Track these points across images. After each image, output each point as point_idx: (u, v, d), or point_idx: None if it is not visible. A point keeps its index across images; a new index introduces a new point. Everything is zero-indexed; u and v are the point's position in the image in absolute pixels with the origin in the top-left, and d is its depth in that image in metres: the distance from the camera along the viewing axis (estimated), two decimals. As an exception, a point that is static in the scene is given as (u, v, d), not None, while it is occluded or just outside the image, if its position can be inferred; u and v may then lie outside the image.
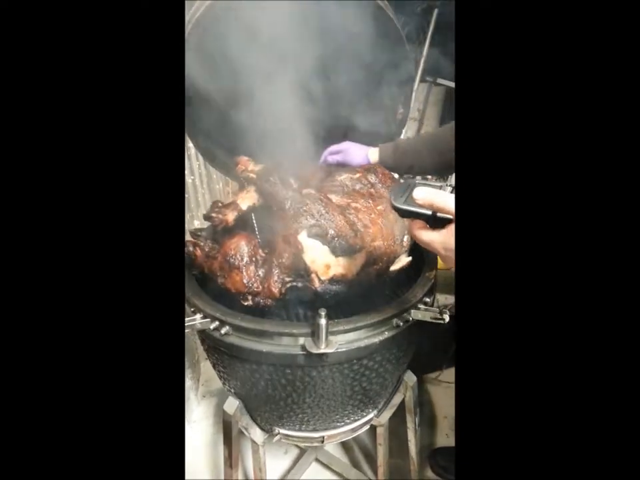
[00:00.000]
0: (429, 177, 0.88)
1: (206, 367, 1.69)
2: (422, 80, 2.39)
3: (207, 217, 0.77)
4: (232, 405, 0.90)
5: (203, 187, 1.83)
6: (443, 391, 1.63)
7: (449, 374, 1.68)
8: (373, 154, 0.98)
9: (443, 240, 0.49)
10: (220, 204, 0.77)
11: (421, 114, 2.52)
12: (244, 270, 0.75)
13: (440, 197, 0.48)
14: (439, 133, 0.94)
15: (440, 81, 2.49)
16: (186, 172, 1.56)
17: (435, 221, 0.50)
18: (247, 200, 0.77)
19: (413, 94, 1.06)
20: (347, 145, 0.99)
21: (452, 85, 2.41)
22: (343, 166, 0.98)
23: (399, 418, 1.05)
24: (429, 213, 0.49)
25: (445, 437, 1.47)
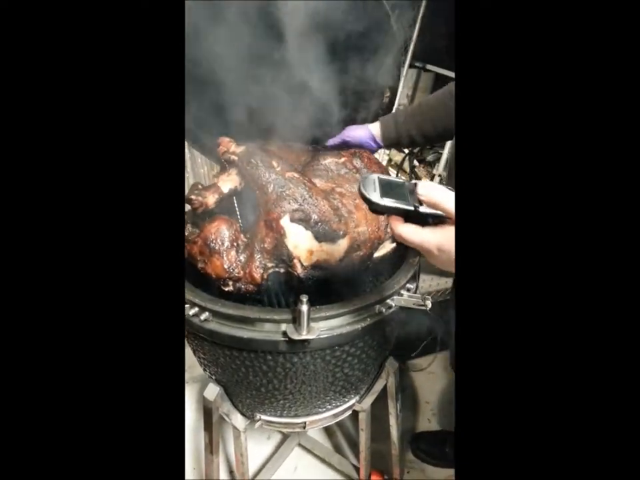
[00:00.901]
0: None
1: (189, 352, 1.67)
2: (411, 65, 2.36)
3: (186, 199, 0.75)
4: (213, 391, 0.89)
5: (187, 170, 1.79)
6: (425, 376, 1.65)
7: (430, 360, 1.70)
8: (374, 127, 0.95)
9: (438, 240, 0.46)
10: (200, 186, 0.75)
11: (410, 100, 2.51)
12: (225, 255, 0.73)
13: (442, 194, 0.45)
14: (435, 98, 0.91)
15: (429, 67, 2.47)
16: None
17: (419, 218, 0.47)
18: (229, 182, 0.75)
19: (402, 79, 1.05)
20: (346, 129, 0.97)
21: (441, 71, 2.39)
22: (347, 147, 0.95)
23: (380, 403, 1.05)
24: (412, 208, 0.46)
25: (427, 421, 1.49)
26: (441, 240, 0.45)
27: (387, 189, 0.48)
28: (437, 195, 0.45)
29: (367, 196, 0.47)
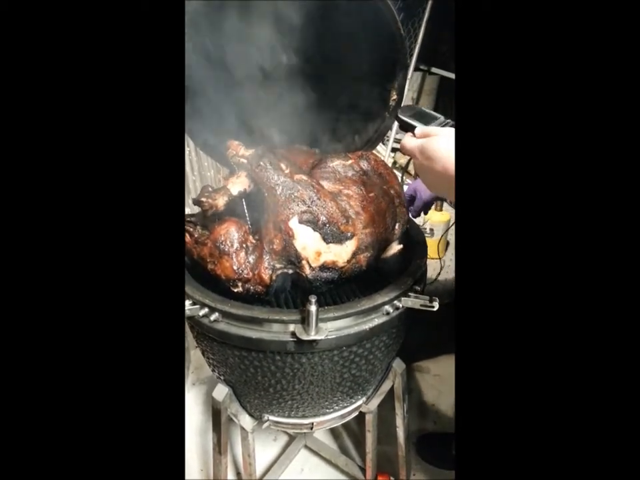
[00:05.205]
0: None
1: (196, 355, 1.69)
2: (416, 68, 2.37)
3: (196, 202, 0.75)
4: (221, 391, 0.90)
5: (194, 174, 1.81)
6: (431, 379, 1.65)
7: (437, 363, 1.70)
8: None
9: (421, 145, 0.59)
10: (210, 188, 0.76)
11: (415, 103, 2.51)
12: (234, 256, 0.74)
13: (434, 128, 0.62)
14: None
15: (434, 70, 2.48)
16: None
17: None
18: (238, 185, 0.76)
19: (407, 81, 1.05)
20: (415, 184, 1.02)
21: (446, 74, 2.40)
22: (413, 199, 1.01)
23: (386, 405, 1.05)
24: (416, 125, 0.64)
25: (432, 424, 1.49)
26: (422, 144, 0.59)
27: (418, 115, 0.66)
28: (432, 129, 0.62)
29: (398, 112, 0.67)
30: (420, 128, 0.63)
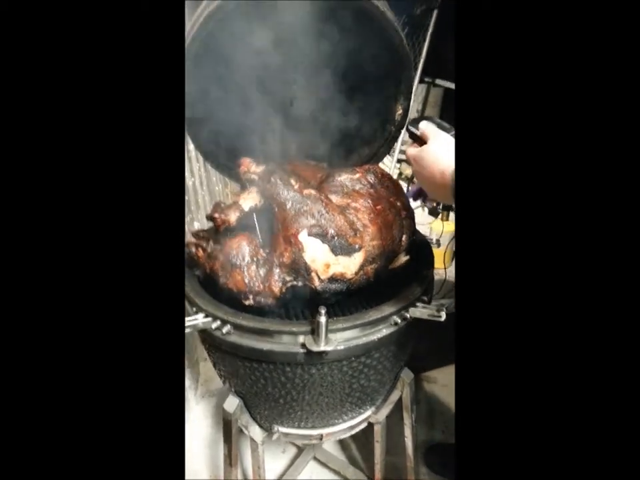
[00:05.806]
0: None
1: (205, 367, 1.70)
2: (421, 81, 2.41)
3: (209, 218, 0.78)
4: (232, 403, 0.91)
5: (203, 188, 1.83)
6: (439, 389, 1.65)
7: (445, 373, 1.70)
8: None
9: (414, 153, 0.67)
10: (222, 204, 0.78)
11: (419, 115, 2.55)
12: (245, 269, 0.76)
13: (431, 130, 0.68)
14: None
15: (438, 81, 2.52)
16: (186, 174, 1.56)
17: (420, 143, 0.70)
18: (249, 200, 0.78)
19: (412, 94, 1.07)
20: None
21: (450, 85, 2.43)
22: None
23: (394, 416, 1.06)
24: (418, 133, 0.70)
25: (441, 434, 1.49)
26: (415, 153, 0.67)
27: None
28: (429, 130, 0.68)
29: (407, 124, 0.75)
30: (423, 123, 0.68)
